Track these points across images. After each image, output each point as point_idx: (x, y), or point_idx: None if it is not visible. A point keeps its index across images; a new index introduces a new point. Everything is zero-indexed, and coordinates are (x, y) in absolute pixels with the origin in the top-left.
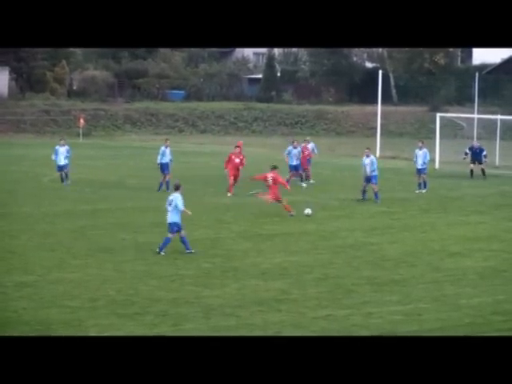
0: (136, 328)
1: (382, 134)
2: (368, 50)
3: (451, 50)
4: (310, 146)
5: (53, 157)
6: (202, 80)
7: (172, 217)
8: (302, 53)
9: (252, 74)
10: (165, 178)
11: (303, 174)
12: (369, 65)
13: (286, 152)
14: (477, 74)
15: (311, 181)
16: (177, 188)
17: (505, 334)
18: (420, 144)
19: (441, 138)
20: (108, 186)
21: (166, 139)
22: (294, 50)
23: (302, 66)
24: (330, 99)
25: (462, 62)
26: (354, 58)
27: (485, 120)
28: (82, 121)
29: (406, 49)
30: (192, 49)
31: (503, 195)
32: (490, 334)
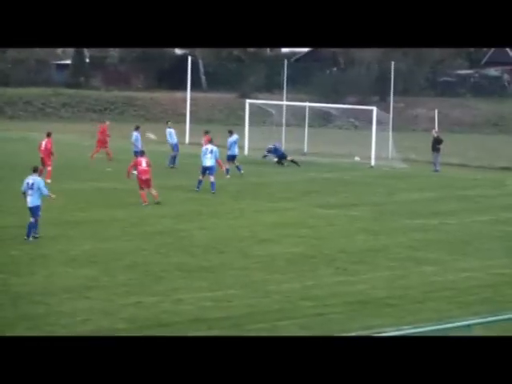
0: None
1: (191, 121)
2: None
3: None
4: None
5: None
6: (9, 66)
7: (34, 200)
8: None
9: (61, 59)
10: None
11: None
12: (178, 51)
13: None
14: (285, 62)
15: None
16: (35, 170)
17: (313, 319)
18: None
19: (250, 124)
20: None
21: None
22: None
23: (111, 52)
24: (140, 85)
25: (271, 49)
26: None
27: (294, 107)
28: None
29: None
30: None
31: (311, 182)
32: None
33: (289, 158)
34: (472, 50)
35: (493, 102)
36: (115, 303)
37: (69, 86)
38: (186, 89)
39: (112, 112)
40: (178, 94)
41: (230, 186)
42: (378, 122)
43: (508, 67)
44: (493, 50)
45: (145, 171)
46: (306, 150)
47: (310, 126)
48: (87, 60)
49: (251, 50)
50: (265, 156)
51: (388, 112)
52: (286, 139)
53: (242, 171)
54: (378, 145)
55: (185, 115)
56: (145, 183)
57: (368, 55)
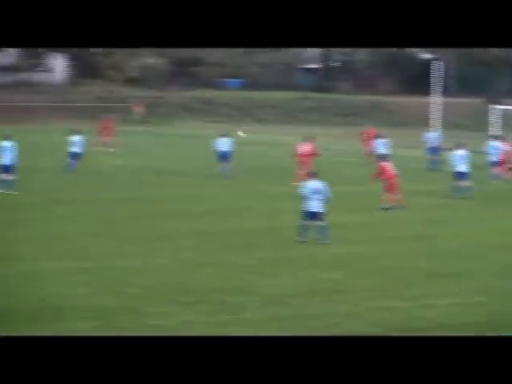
0: (194, 316)
1: (439, 126)
2: None
3: None
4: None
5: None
6: (258, 69)
7: (318, 205)
8: None
9: (308, 63)
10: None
11: None
12: (425, 55)
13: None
14: None
15: None
16: (313, 176)
17: None
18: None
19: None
20: (164, 174)
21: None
22: None
23: (360, 57)
24: (387, 90)
25: None
26: (412, 49)
27: None
28: (137, 108)
29: None
30: None
31: None
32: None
33: None
34: None
35: None
36: (362, 307)
37: (316, 89)
38: (431, 93)
39: (359, 116)
40: (425, 99)
41: (482, 191)
42: None
43: None
44: None
45: (393, 176)
46: None
47: None
48: (336, 64)
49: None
50: None
51: None
52: None
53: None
54: None
55: (430, 120)
56: (392, 187)
57: None
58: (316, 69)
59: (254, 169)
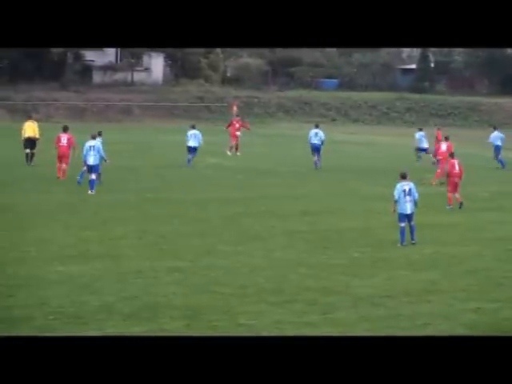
0: (285, 316)
1: None
2: None
3: None
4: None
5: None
6: (355, 70)
7: (412, 207)
8: None
9: (405, 64)
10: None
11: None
12: None
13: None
14: None
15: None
16: (404, 177)
17: None
18: None
19: None
20: (260, 174)
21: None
22: None
23: (456, 57)
24: (484, 91)
25: None
26: (509, 50)
27: None
28: (235, 108)
29: None
30: None
31: None
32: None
33: None
34: None
35: None
36: (455, 308)
37: (413, 90)
38: None
39: (455, 117)
40: None
41: None
42: None
43: None
44: None
45: (457, 174)
46: None
47: None
48: (432, 65)
49: None
50: None
51: None
52: None
53: None
54: None
55: None
56: (455, 186)
57: None
58: (413, 69)
59: (349, 169)
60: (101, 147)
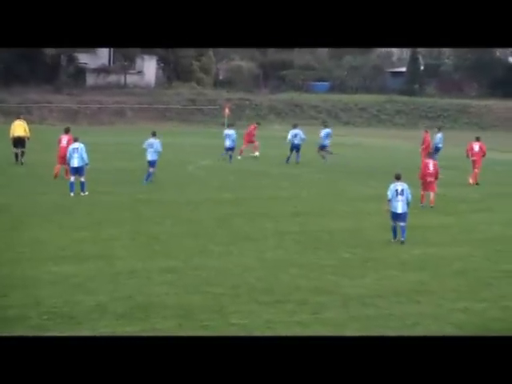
0: (276, 315)
1: None
2: None
3: None
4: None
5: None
6: (345, 73)
7: (404, 207)
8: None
9: (395, 67)
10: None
11: None
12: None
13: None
14: None
15: None
16: (398, 178)
17: None
18: None
19: None
20: (251, 175)
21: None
22: None
23: (446, 60)
24: (473, 93)
25: None
26: (498, 53)
27: None
28: (227, 110)
29: None
30: None
31: None
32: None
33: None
34: None
35: None
36: (444, 308)
37: (403, 93)
38: None
39: (445, 119)
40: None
41: None
42: None
43: None
44: None
45: (431, 174)
46: None
47: None
48: (422, 68)
49: None
50: None
51: None
52: None
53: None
54: None
55: None
56: (428, 186)
57: None
58: (403, 72)
59: (340, 170)
60: (84, 149)
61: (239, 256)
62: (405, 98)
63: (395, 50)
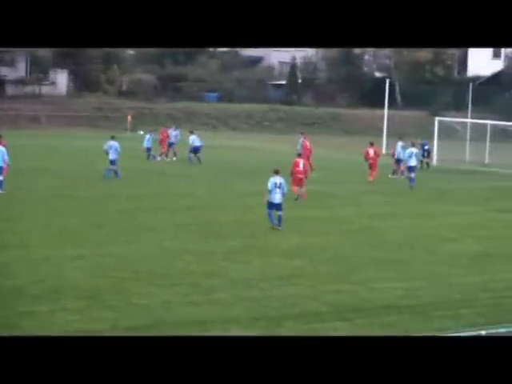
0: (171, 296)
1: (387, 135)
2: (377, 61)
3: (449, 62)
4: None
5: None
6: (234, 84)
7: (280, 198)
8: (320, 62)
9: (277, 80)
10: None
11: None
12: (378, 74)
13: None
14: (471, 85)
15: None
16: (277, 172)
17: (491, 309)
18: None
19: (439, 139)
20: (152, 174)
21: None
22: (314, 59)
23: (320, 74)
24: (344, 103)
25: (458, 73)
26: (365, 68)
27: (477, 124)
28: (129, 117)
29: (411, 60)
30: (225, 56)
31: (491, 189)
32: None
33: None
34: None
35: None
36: (319, 290)
37: (283, 102)
38: (383, 107)
39: (320, 126)
40: (377, 112)
41: (421, 191)
42: None
43: None
44: None
45: (300, 171)
46: (486, 161)
47: (491, 141)
48: (299, 80)
49: (440, 73)
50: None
51: None
52: (469, 152)
53: None
54: None
55: (382, 130)
56: (299, 181)
57: None
58: (283, 84)
59: (229, 170)
60: (5, 152)
61: (141, 245)
62: (285, 107)
63: (277, 65)
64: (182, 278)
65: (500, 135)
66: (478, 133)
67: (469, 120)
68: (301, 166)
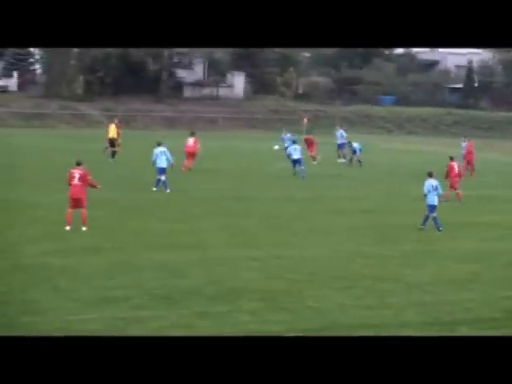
0: (346, 299)
1: None
2: None
3: None
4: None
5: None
6: (410, 88)
7: (434, 199)
8: (497, 66)
9: (453, 83)
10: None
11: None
12: None
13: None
14: None
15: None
16: (430, 175)
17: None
18: None
19: None
20: (327, 176)
21: None
22: (490, 63)
23: (497, 78)
24: None
25: None
26: None
27: None
28: (305, 120)
29: None
30: (401, 60)
31: None
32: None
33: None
34: None
35: None
36: (494, 296)
37: (460, 106)
38: None
39: (495, 130)
40: None
41: None
42: None
43: None
44: None
45: (456, 175)
46: None
47: None
48: (476, 84)
49: None
50: None
51: None
52: None
53: None
54: None
55: None
56: (454, 184)
57: None
58: (460, 88)
59: (403, 174)
60: (169, 152)
61: (314, 247)
62: (461, 111)
63: (453, 69)
64: (357, 281)
65: None
66: None
67: None
68: (456, 169)
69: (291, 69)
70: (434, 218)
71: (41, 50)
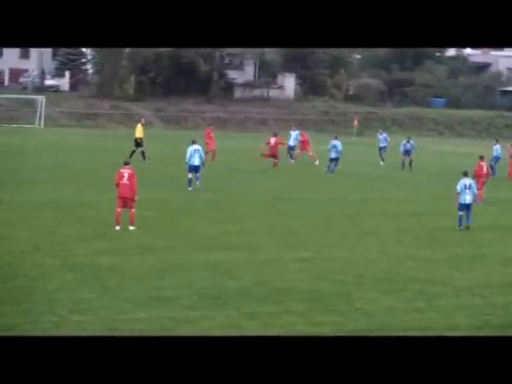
0: (394, 302)
1: None
2: None
3: None
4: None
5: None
6: (461, 90)
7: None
8: None
9: (504, 86)
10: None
11: None
12: None
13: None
14: None
15: None
16: (465, 174)
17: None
18: None
19: None
20: (376, 179)
21: None
22: None
23: None
24: None
25: None
26: None
27: None
28: (355, 122)
29: None
30: (453, 62)
31: None
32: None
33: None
34: None
35: None
36: None
37: (511, 109)
38: None
39: None
40: None
41: None
42: None
43: None
44: None
45: (484, 175)
46: None
47: None
48: None
49: None
50: None
51: None
52: None
53: None
54: None
55: None
56: (482, 185)
57: None
58: (511, 91)
59: (453, 176)
60: (202, 151)
61: (364, 249)
62: None
63: (505, 71)
64: (406, 284)
65: None
66: None
67: None
68: (484, 169)
69: (342, 70)
70: (461, 216)
71: (93, 50)
